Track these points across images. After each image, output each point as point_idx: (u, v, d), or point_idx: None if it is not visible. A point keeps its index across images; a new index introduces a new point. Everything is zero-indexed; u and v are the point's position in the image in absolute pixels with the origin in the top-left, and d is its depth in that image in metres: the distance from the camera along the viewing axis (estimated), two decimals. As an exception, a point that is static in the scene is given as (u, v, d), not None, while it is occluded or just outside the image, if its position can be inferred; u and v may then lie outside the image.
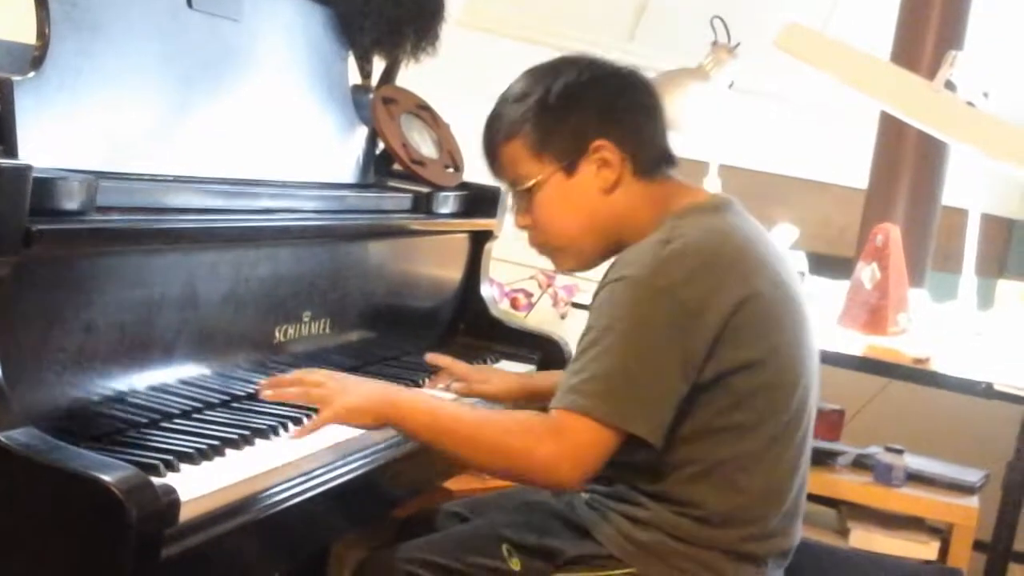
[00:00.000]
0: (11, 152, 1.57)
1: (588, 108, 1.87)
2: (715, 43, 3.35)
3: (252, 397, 1.93)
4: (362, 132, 2.45)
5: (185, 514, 1.47)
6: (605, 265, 1.89)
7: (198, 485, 1.54)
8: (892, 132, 3.82)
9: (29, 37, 1.71)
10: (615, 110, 1.88)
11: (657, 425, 1.73)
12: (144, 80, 1.87)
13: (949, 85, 3.02)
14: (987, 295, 3.40)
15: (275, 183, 2.13)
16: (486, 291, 2.68)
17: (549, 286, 3.32)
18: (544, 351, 2.58)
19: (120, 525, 1.36)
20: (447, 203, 2.51)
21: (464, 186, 2.58)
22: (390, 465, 1.95)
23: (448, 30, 2.64)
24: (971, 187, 3.43)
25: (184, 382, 1.81)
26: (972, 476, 3.18)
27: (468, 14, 4.27)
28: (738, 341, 1.75)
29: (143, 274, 1.70)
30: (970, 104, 3.03)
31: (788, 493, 1.87)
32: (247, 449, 1.73)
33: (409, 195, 2.44)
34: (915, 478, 3.14)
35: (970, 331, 3.27)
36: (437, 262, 2.58)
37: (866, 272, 3.23)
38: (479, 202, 2.61)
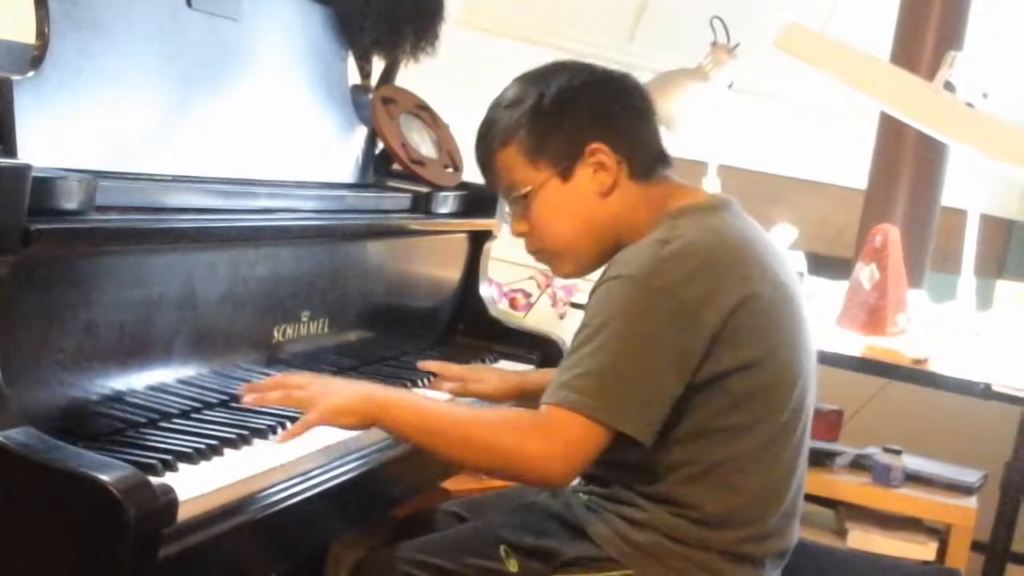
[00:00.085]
0: (10, 151, 1.57)
1: (582, 112, 1.88)
2: (714, 43, 3.35)
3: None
4: (361, 132, 2.45)
5: (183, 514, 1.47)
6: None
7: (196, 485, 1.54)
8: (891, 132, 3.83)
9: (28, 36, 1.71)
10: (609, 113, 1.88)
11: (647, 424, 1.73)
12: (144, 80, 1.87)
13: (948, 86, 3.02)
14: (986, 296, 3.40)
15: (274, 183, 2.13)
16: (485, 291, 2.68)
17: (548, 286, 3.32)
18: (543, 351, 2.59)
19: (118, 525, 1.36)
20: (446, 203, 2.52)
21: (463, 186, 2.58)
22: (388, 465, 1.94)
23: (447, 30, 2.64)
24: (970, 188, 3.43)
25: (183, 382, 1.81)
26: (970, 477, 3.18)
27: (468, 14, 4.27)
28: (736, 341, 1.75)
29: (142, 274, 1.70)
30: (969, 105, 3.03)
31: (786, 494, 1.87)
32: (245, 449, 1.73)
33: (408, 195, 2.44)
34: (913, 479, 3.14)
35: (969, 332, 3.27)
36: (436, 262, 2.59)
37: (865, 272, 3.23)
38: (478, 202, 2.61)
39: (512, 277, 3.28)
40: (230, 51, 2.09)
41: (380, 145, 2.49)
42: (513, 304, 3.22)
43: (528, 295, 3.27)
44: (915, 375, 3.04)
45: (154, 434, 1.70)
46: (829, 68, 3.10)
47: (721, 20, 3.33)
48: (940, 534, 3.16)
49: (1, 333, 1.44)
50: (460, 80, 3.32)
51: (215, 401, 1.87)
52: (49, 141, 1.65)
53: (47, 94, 1.66)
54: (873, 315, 3.19)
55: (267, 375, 1.96)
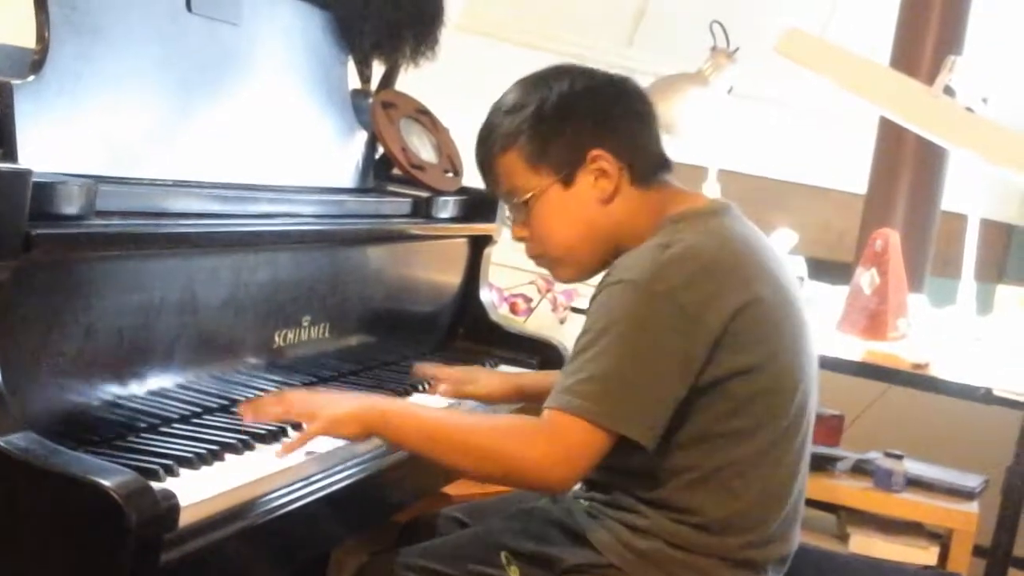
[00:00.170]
0: (11, 156, 1.57)
1: (584, 118, 1.87)
2: (714, 48, 3.35)
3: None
4: (361, 136, 2.45)
5: (184, 519, 1.46)
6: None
7: (198, 490, 1.54)
8: (891, 137, 3.83)
9: (29, 41, 1.71)
10: (611, 119, 1.88)
11: (649, 428, 1.73)
12: (144, 84, 1.87)
13: (948, 90, 3.02)
14: (986, 300, 3.40)
15: (274, 187, 2.12)
16: (485, 296, 2.68)
17: (548, 291, 3.32)
18: (543, 356, 2.58)
19: (119, 530, 1.35)
20: (446, 208, 2.51)
21: (463, 191, 2.58)
22: (389, 471, 1.94)
23: (447, 34, 2.64)
24: (970, 192, 3.43)
25: (183, 387, 1.80)
26: (971, 481, 3.18)
27: (467, 18, 4.27)
28: (738, 346, 1.75)
29: (142, 278, 1.69)
30: (969, 109, 3.03)
31: (787, 499, 1.87)
32: (247, 454, 1.73)
33: (408, 200, 2.44)
34: (915, 483, 3.14)
35: (969, 336, 3.27)
36: (436, 267, 2.58)
37: (865, 277, 3.22)
38: (478, 207, 2.61)
39: (512, 282, 3.28)
40: (230, 55, 2.09)
41: (380, 150, 2.49)
42: (513, 309, 3.22)
43: (528, 300, 3.27)
44: (916, 380, 3.04)
45: (155, 439, 1.70)
46: (829, 73, 3.10)
47: (721, 24, 3.33)
48: (941, 539, 3.16)
49: (2, 338, 1.44)
50: (460, 84, 3.32)
51: (216, 406, 1.87)
52: (49, 146, 1.65)
53: (47, 99, 1.66)
54: (874, 320, 3.19)
55: (268, 379, 1.96)
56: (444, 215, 2.51)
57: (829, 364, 2.63)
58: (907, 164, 3.85)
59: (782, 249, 3.18)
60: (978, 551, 3.08)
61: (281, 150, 2.20)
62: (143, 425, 1.72)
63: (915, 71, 3.54)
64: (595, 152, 1.86)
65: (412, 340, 2.48)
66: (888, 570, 2.38)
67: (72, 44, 1.73)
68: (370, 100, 2.50)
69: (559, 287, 3.33)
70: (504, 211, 2.63)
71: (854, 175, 4.20)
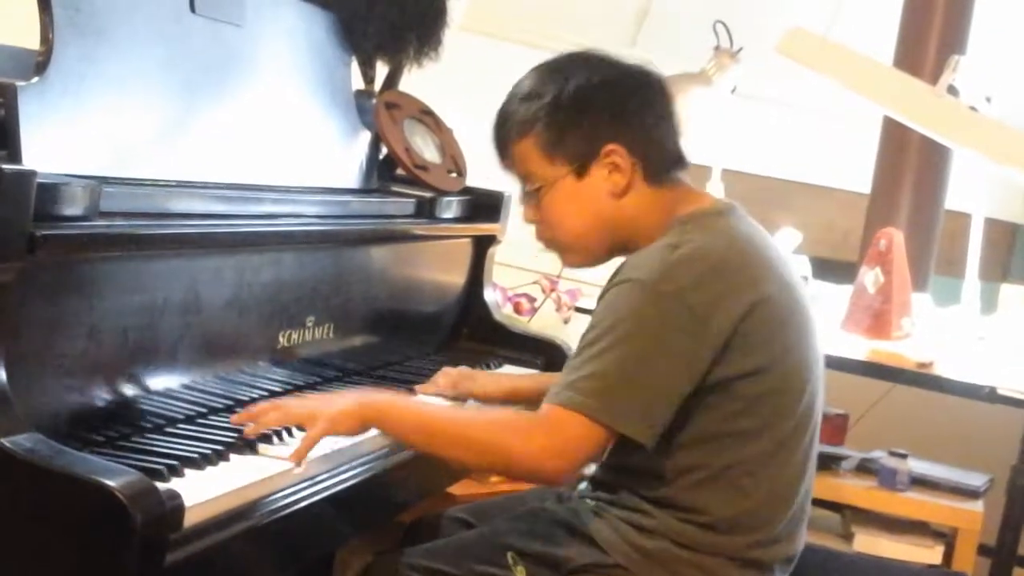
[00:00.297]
0: (15, 157, 1.57)
1: (601, 111, 1.86)
2: (717, 48, 3.35)
3: (256, 403, 1.93)
4: (365, 137, 2.45)
5: (189, 519, 1.47)
6: (609, 268, 1.89)
7: (202, 490, 1.54)
8: (895, 137, 3.82)
9: (33, 43, 1.71)
10: (628, 113, 1.87)
11: (649, 426, 1.73)
12: (147, 85, 1.87)
13: (952, 90, 3.02)
14: (990, 299, 3.39)
15: (278, 188, 2.13)
16: (489, 296, 2.68)
17: (552, 291, 3.32)
18: (547, 356, 2.58)
19: (125, 530, 1.36)
20: (450, 208, 2.51)
21: (467, 191, 2.58)
22: (394, 470, 1.94)
23: (450, 35, 2.64)
24: (974, 191, 3.43)
25: (188, 387, 1.81)
26: (976, 480, 3.18)
27: (470, 19, 4.27)
28: (746, 347, 1.75)
29: (146, 279, 1.70)
30: (973, 109, 3.03)
31: (794, 499, 1.87)
32: (251, 455, 1.73)
33: (412, 200, 2.44)
34: (919, 482, 3.14)
35: (974, 335, 3.27)
36: (440, 267, 2.58)
37: (869, 276, 3.22)
38: (482, 207, 2.61)
39: (516, 282, 3.28)
40: (234, 56, 2.09)
41: (384, 150, 2.49)
42: (517, 309, 3.22)
43: (532, 300, 3.27)
44: (920, 379, 3.04)
45: (160, 439, 1.70)
46: (832, 72, 3.10)
47: (724, 24, 3.34)
48: (946, 538, 3.15)
49: (7, 339, 1.44)
50: (463, 85, 3.32)
51: (221, 406, 1.87)
52: (53, 147, 1.65)
53: (51, 100, 1.66)
54: (878, 319, 3.19)
55: (272, 380, 1.97)
56: (448, 215, 2.51)
57: (833, 363, 2.63)
58: (911, 163, 3.85)
59: (786, 249, 3.18)
60: (983, 550, 3.08)
61: (285, 151, 2.20)
62: (148, 425, 1.72)
63: (919, 71, 3.53)
64: (610, 146, 1.85)
65: (416, 340, 2.48)
66: (893, 569, 2.37)
67: (76, 45, 1.73)
68: (374, 101, 2.50)
69: (563, 287, 3.33)
70: (508, 212, 2.64)
71: (858, 174, 4.19)
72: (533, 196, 1.92)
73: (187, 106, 1.96)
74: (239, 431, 1.77)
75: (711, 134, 3.37)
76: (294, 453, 1.75)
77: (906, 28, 3.89)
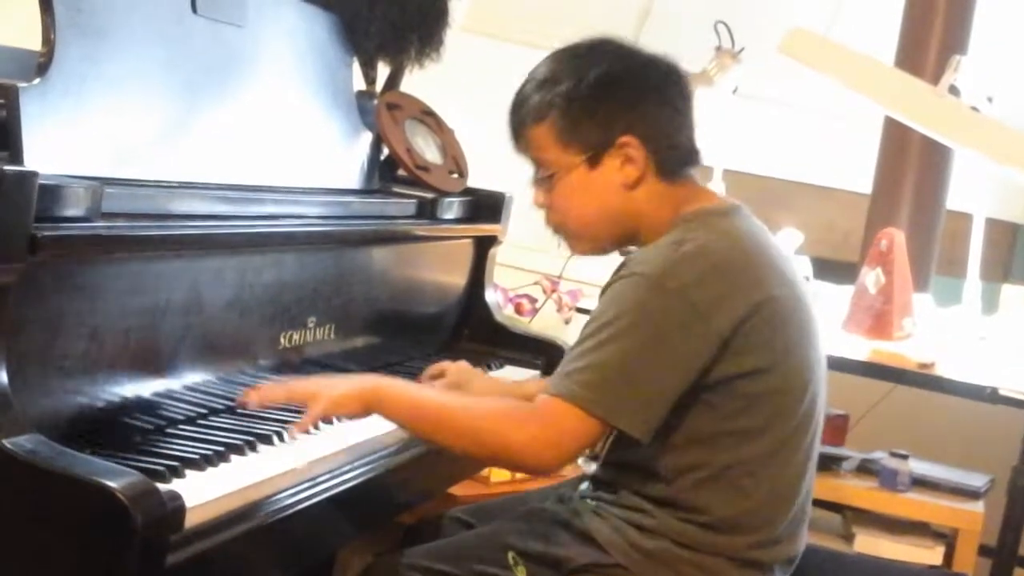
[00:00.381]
0: (16, 158, 1.57)
1: (618, 102, 1.86)
2: (719, 48, 3.35)
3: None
4: (367, 138, 2.45)
5: (190, 520, 1.47)
6: (611, 266, 1.89)
7: (203, 491, 1.54)
8: (896, 137, 3.82)
9: (34, 44, 1.71)
10: (645, 108, 1.86)
11: (644, 421, 1.74)
12: (149, 86, 1.87)
13: (953, 90, 3.02)
14: (992, 299, 3.39)
15: (280, 189, 2.13)
16: (490, 296, 2.68)
17: (553, 291, 3.32)
18: (548, 356, 2.58)
19: (126, 531, 1.36)
20: (451, 209, 2.52)
21: (468, 192, 2.58)
22: (395, 471, 1.95)
23: (452, 36, 2.64)
24: (975, 191, 3.43)
25: (189, 388, 1.81)
26: (977, 481, 3.18)
27: (472, 19, 4.27)
28: (748, 346, 1.75)
29: (148, 280, 1.70)
30: (974, 109, 3.03)
31: (795, 499, 1.87)
32: (252, 456, 1.73)
33: (413, 201, 2.44)
34: (920, 483, 3.14)
35: (975, 336, 3.26)
36: (441, 268, 2.58)
37: (870, 277, 3.22)
38: (483, 208, 2.61)
39: (517, 283, 3.29)
40: (235, 57, 2.10)
41: (385, 151, 2.49)
42: (518, 309, 3.23)
43: (533, 300, 3.28)
44: (921, 379, 3.04)
45: (161, 441, 1.70)
46: (833, 72, 3.10)
47: (725, 25, 3.34)
48: (947, 538, 3.15)
49: (8, 340, 1.44)
50: (465, 85, 3.32)
51: (222, 408, 1.87)
52: (55, 148, 1.65)
53: (53, 101, 1.66)
54: (879, 319, 3.19)
55: (273, 381, 1.96)
56: (449, 216, 2.51)
57: (834, 364, 2.63)
58: (912, 164, 3.85)
59: (788, 249, 3.18)
60: (984, 551, 3.08)
61: (286, 152, 2.20)
62: (149, 426, 1.72)
63: (920, 71, 3.53)
64: (625, 138, 1.85)
65: (417, 341, 2.48)
66: (893, 570, 2.38)
67: (77, 46, 1.73)
68: (375, 101, 2.50)
69: (564, 287, 3.34)
70: (509, 213, 2.64)
71: (859, 175, 4.19)
72: (545, 181, 1.92)
73: (188, 107, 1.96)
74: (240, 432, 1.77)
75: (712, 134, 3.37)
76: (296, 426, 1.79)
77: (907, 28, 3.88)
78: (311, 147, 2.29)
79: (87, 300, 1.58)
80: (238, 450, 1.72)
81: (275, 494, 1.67)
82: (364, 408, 1.83)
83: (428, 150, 2.53)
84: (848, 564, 2.26)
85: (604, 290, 1.83)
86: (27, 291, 1.46)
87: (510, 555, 1.88)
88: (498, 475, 2.69)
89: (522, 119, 1.91)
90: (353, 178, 2.41)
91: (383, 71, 2.62)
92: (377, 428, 1.95)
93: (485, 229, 2.63)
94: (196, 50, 1.99)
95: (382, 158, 2.50)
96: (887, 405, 3.60)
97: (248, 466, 1.69)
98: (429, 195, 2.47)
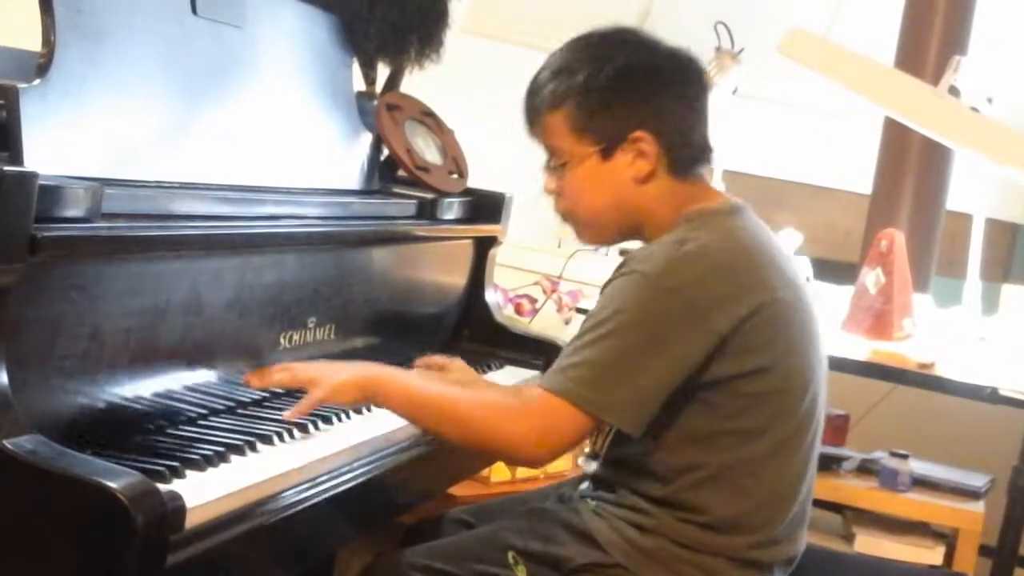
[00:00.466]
0: (17, 159, 1.57)
1: (634, 97, 1.85)
2: (719, 49, 3.35)
3: (258, 403, 1.94)
4: (366, 138, 2.45)
5: (191, 520, 1.47)
6: (611, 266, 1.90)
7: (204, 491, 1.54)
8: (896, 137, 3.83)
9: (34, 44, 1.71)
10: (661, 101, 1.86)
11: (634, 417, 1.75)
12: (149, 87, 1.87)
13: (953, 90, 3.03)
14: (991, 300, 3.40)
15: (280, 190, 2.13)
16: (490, 297, 2.68)
17: (553, 291, 3.33)
18: (548, 357, 2.57)
19: (126, 531, 1.36)
20: (451, 209, 2.52)
21: (468, 192, 2.58)
22: (397, 470, 1.95)
23: (452, 36, 2.64)
24: (975, 192, 3.43)
25: (189, 388, 1.81)
26: (977, 481, 3.18)
27: (472, 20, 4.27)
28: (748, 346, 1.75)
29: (148, 281, 1.70)
30: (974, 109, 3.03)
31: (795, 499, 1.87)
32: (252, 456, 1.73)
33: (413, 201, 2.44)
34: (920, 483, 3.14)
35: (975, 336, 3.27)
36: (441, 268, 2.58)
37: (870, 277, 3.23)
38: (483, 208, 2.61)
39: (517, 283, 3.29)
40: (235, 58, 2.10)
41: (385, 151, 2.49)
42: (518, 310, 3.23)
43: (533, 301, 3.28)
44: (921, 379, 3.05)
45: (161, 441, 1.70)
46: (833, 73, 3.10)
47: (725, 25, 3.34)
48: (947, 538, 3.16)
49: (8, 341, 1.44)
50: (465, 86, 3.32)
51: (222, 408, 1.87)
52: (55, 149, 1.65)
53: (53, 102, 1.67)
54: (879, 320, 3.19)
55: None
56: (449, 216, 2.51)
57: (834, 364, 2.62)
58: (912, 164, 3.85)
59: (790, 249, 3.18)
60: (984, 551, 3.08)
61: (286, 152, 2.20)
62: (149, 427, 1.72)
63: (920, 71, 3.53)
64: (638, 133, 1.85)
65: (417, 341, 2.48)
66: (894, 570, 2.38)
67: (77, 47, 1.73)
68: (375, 102, 2.50)
69: (564, 288, 3.34)
70: (509, 213, 2.64)
71: (859, 175, 4.20)
72: (557, 169, 1.92)
73: (188, 108, 1.96)
74: (241, 433, 1.77)
75: (712, 135, 3.37)
76: (294, 410, 1.84)
77: (907, 28, 3.89)
78: (311, 148, 2.29)
79: (87, 301, 1.58)
80: (238, 450, 1.72)
81: (275, 494, 1.67)
82: (363, 396, 1.87)
83: (428, 151, 2.53)
84: (848, 564, 2.26)
85: (605, 287, 1.84)
86: (27, 292, 1.46)
87: (510, 555, 1.88)
88: (498, 475, 2.69)
89: (536, 106, 1.91)
90: (353, 179, 2.41)
91: (383, 72, 2.62)
92: (377, 428, 1.96)
93: (485, 229, 2.63)
94: (196, 51, 1.99)
95: (382, 159, 2.50)
96: (887, 405, 3.60)
97: (248, 466, 1.69)
98: (429, 196, 2.47)
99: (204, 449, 1.67)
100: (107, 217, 1.59)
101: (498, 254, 2.71)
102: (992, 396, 2.91)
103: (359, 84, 2.56)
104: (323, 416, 1.93)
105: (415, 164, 2.45)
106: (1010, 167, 2.98)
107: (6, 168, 1.42)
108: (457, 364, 2.22)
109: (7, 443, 1.39)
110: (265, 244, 1.95)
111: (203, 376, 1.84)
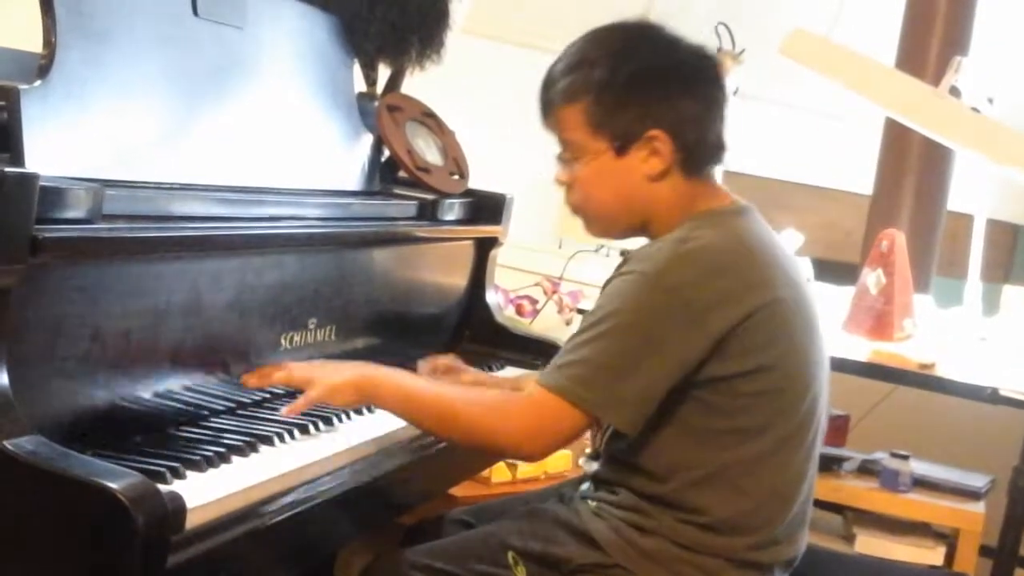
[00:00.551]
0: (18, 160, 1.58)
1: (651, 96, 1.85)
2: (720, 49, 3.35)
3: (258, 404, 1.94)
4: (367, 139, 2.46)
5: (191, 521, 1.47)
6: (612, 267, 1.90)
7: (204, 492, 1.54)
8: (897, 138, 3.82)
9: (35, 46, 1.71)
10: (679, 103, 1.85)
11: (630, 415, 1.76)
12: (150, 88, 1.87)
13: (954, 91, 3.02)
14: (992, 300, 3.40)
15: (280, 191, 2.13)
16: (491, 298, 2.68)
17: (554, 292, 3.33)
18: (549, 357, 2.55)
19: (127, 532, 1.36)
20: (452, 210, 2.52)
21: (469, 193, 2.59)
22: (397, 471, 1.95)
23: (453, 37, 2.64)
24: (976, 192, 3.43)
25: (190, 389, 1.81)
26: (978, 481, 3.18)
27: (472, 21, 4.27)
28: (747, 346, 1.75)
29: (149, 282, 1.70)
30: (975, 110, 3.03)
31: (795, 500, 1.87)
32: (253, 456, 1.74)
33: (414, 202, 2.45)
34: (921, 483, 3.14)
35: (975, 336, 3.27)
36: (442, 269, 2.59)
37: (871, 278, 3.23)
38: (484, 209, 2.61)
39: (518, 284, 3.29)
40: (236, 59, 2.10)
41: (386, 152, 2.49)
42: (519, 311, 3.23)
43: (534, 302, 3.28)
44: (922, 380, 3.05)
45: (162, 442, 1.70)
46: (834, 74, 3.10)
47: (726, 26, 3.34)
48: (948, 539, 3.16)
49: (9, 341, 1.45)
50: (465, 87, 3.32)
51: (223, 408, 1.88)
52: (56, 150, 1.65)
53: (54, 103, 1.67)
54: (880, 320, 3.19)
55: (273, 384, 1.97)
56: (450, 217, 2.51)
57: (835, 364, 2.61)
58: (913, 165, 3.85)
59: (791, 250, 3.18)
60: (984, 551, 3.08)
61: (287, 153, 2.20)
62: (150, 428, 1.72)
63: (921, 72, 3.53)
64: (653, 132, 1.84)
65: (418, 342, 2.48)
66: (894, 571, 2.38)
67: (79, 49, 1.73)
68: (376, 103, 2.51)
69: (565, 288, 3.34)
70: (510, 214, 2.64)
71: (860, 176, 4.19)
72: (569, 161, 1.92)
73: (189, 109, 1.97)
74: (241, 433, 1.78)
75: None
76: (290, 408, 1.86)
77: (908, 29, 3.89)
78: (312, 149, 2.29)
79: (88, 301, 1.58)
80: (239, 451, 1.72)
81: (276, 495, 1.67)
82: (359, 397, 1.89)
83: (429, 151, 2.53)
84: (849, 564, 2.26)
85: (605, 286, 1.84)
86: (28, 293, 1.46)
87: (510, 555, 1.88)
88: (499, 476, 2.69)
89: (552, 98, 1.90)
90: (354, 180, 2.41)
91: (384, 73, 2.62)
92: (378, 429, 1.96)
93: (486, 230, 2.63)
94: (197, 52, 1.99)
95: (383, 159, 2.50)
96: (888, 406, 3.60)
97: (249, 467, 1.69)
98: (430, 196, 2.47)
99: (205, 450, 1.67)
100: (108, 218, 1.60)
101: (499, 255, 2.71)
102: (993, 397, 2.91)
103: (360, 85, 2.56)
104: (324, 417, 1.94)
105: (416, 165, 2.46)
106: (1011, 167, 2.98)
107: (7, 169, 1.42)
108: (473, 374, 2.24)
109: (8, 444, 1.40)
110: (266, 245, 1.96)
111: (204, 377, 1.84)
